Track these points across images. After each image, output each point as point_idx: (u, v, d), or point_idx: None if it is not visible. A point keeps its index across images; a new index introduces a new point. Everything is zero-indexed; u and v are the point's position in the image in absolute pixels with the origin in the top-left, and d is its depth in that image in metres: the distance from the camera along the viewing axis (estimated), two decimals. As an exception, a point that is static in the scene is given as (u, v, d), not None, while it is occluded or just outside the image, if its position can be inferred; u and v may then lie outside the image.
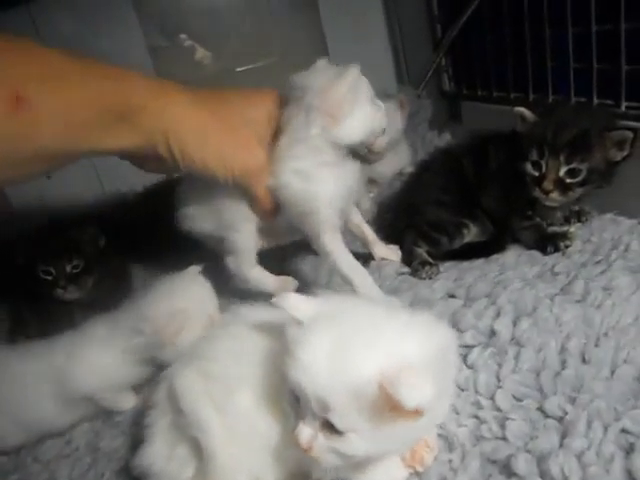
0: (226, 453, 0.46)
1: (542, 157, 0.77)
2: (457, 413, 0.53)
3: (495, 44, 1.09)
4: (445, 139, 1.22)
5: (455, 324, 0.64)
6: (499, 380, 0.55)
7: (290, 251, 0.90)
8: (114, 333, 0.69)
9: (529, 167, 0.79)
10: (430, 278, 0.78)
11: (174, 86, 0.60)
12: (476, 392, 0.55)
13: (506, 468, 0.47)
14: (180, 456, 0.49)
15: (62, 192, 1.19)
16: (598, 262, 0.70)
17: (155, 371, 0.68)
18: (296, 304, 0.43)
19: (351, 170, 0.71)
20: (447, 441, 0.51)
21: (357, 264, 0.70)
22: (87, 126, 0.52)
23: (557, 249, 0.77)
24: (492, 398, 0.53)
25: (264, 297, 0.82)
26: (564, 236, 0.78)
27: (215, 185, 0.68)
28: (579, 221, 0.83)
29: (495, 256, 0.80)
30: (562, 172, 0.76)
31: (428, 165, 0.94)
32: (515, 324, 0.60)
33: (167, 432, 0.51)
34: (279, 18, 1.39)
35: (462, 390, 0.55)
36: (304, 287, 0.78)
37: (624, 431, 0.46)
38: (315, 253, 0.75)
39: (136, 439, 0.60)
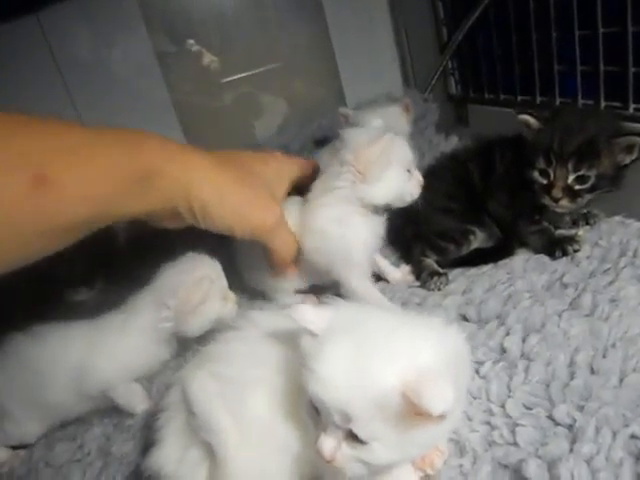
0: (239, 457, 0.46)
1: (549, 165, 0.76)
2: (469, 419, 0.54)
3: (501, 47, 1.09)
4: (452, 143, 1.21)
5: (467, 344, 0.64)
6: (510, 390, 0.55)
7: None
8: (134, 315, 0.70)
9: (537, 175, 0.78)
10: (439, 289, 0.78)
11: (191, 147, 0.61)
12: (488, 400, 0.55)
13: (517, 473, 0.47)
14: (192, 459, 0.49)
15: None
16: (606, 271, 0.70)
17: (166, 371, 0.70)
18: (309, 316, 0.43)
19: (378, 222, 0.75)
20: (458, 446, 0.52)
21: (389, 305, 0.73)
22: (110, 196, 0.51)
23: (565, 253, 0.76)
24: (503, 406, 0.54)
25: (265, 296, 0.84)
26: (572, 240, 0.77)
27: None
28: (587, 224, 0.83)
29: (503, 261, 0.80)
30: (570, 179, 0.75)
31: (433, 171, 0.94)
32: (524, 340, 0.61)
33: (179, 435, 0.51)
34: (285, 23, 1.40)
35: (474, 398, 0.56)
36: (315, 292, 0.79)
37: (633, 437, 0.47)
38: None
39: (147, 443, 0.60)
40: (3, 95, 1.12)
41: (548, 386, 0.54)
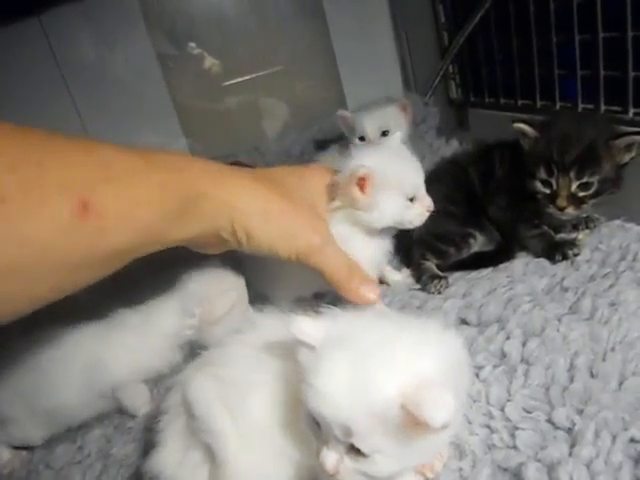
0: (239, 460, 0.46)
1: (551, 175, 0.76)
2: (469, 423, 0.54)
3: (502, 51, 1.09)
4: (453, 146, 1.22)
5: (467, 347, 0.64)
6: (509, 394, 0.55)
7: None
8: (156, 318, 0.70)
9: (539, 185, 0.78)
10: (439, 292, 0.78)
11: (231, 169, 0.59)
12: (488, 403, 0.55)
13: (516, 476, 0.47)
14: (192, 462, 0.49)
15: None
16: (606, 275, 0.70)
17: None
18: (305, 329, 0.42)
19: (385, 239, 0.74)
20: (458, 449, 0.52)
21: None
22: (153, 223, 0.49)
23: (565, 257, 0.76)
24: (503, 410, 0.54)
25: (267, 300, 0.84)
26: (572, 244, 0.78)
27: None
28: (587, 228, 0.83)
29: (503, 265, 0.80)
30: (574, 187, 0.75)
31: (434, 175, 0.94)
32: (524, 344, 0.61)
33: (179, 437, 0.51)
34: (286, 26, 1.40)
35: (474, 401, 0.56)
36: (311, 299, 0.79)
37: (633, 440, 0.47)
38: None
39: (148, 445, 0.60)
40: (5, 97, 1.12)
41: (548, 390, 0.54)
